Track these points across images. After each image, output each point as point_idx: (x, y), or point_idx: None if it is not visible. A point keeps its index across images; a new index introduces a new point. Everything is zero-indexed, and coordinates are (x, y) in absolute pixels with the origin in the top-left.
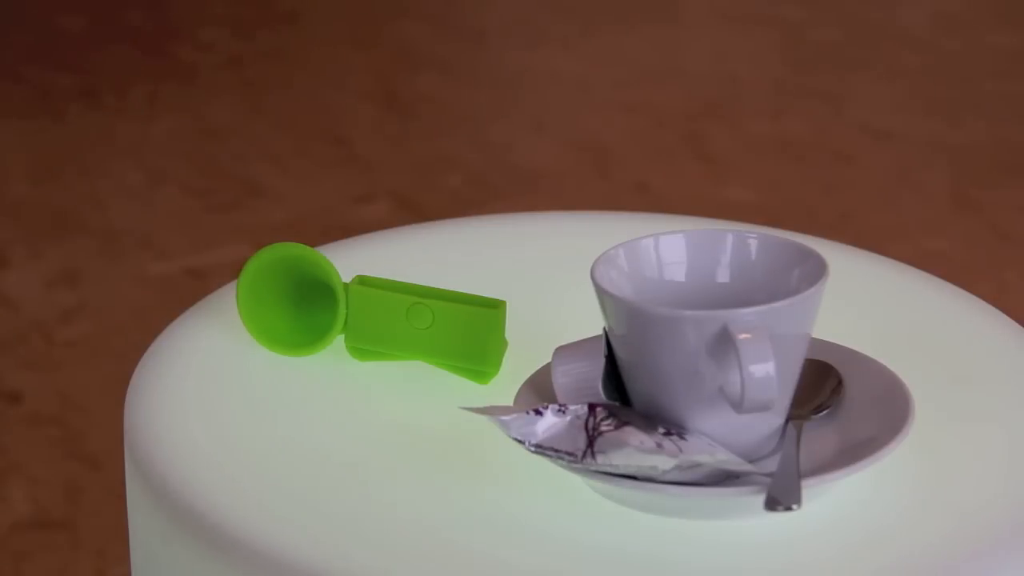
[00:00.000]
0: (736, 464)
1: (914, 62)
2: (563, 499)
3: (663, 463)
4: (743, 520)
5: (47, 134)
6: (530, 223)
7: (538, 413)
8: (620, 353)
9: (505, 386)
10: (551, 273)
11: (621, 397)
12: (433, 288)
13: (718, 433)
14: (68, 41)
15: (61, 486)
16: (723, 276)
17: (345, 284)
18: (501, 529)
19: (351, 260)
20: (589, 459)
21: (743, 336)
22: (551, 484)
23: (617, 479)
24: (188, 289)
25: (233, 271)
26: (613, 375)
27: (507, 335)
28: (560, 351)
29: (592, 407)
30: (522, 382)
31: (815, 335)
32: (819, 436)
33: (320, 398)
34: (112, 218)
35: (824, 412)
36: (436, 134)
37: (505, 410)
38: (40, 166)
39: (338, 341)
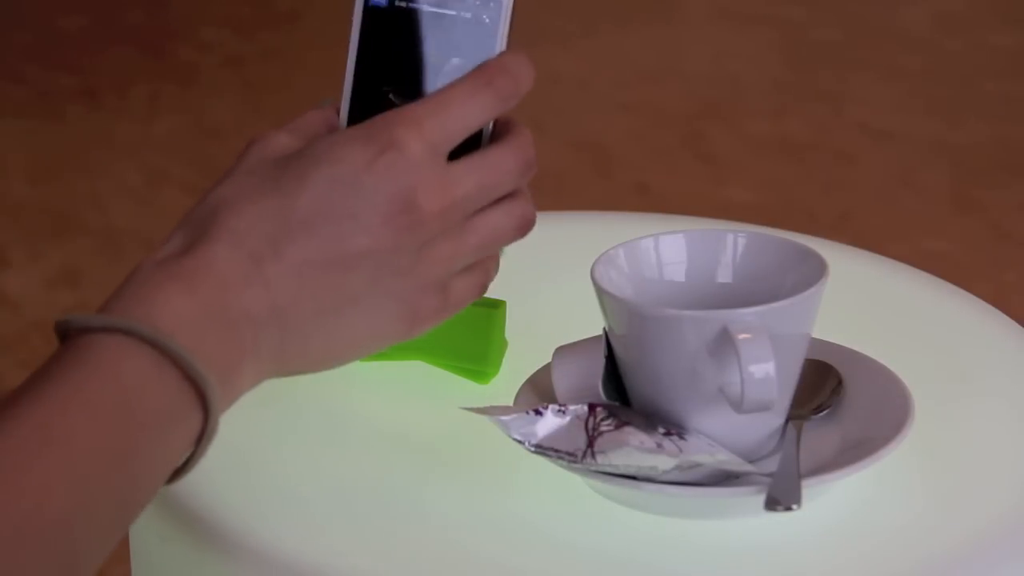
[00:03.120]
0: (736, 464)
1: (914, 62)
2: (563, 499)
3: (663, 463)
4: (743, 520)
5: (47, 134)
6: None
7: (538, 413)
8: (620, 353)
9: (505, 386)
10: (551, 273)
11: (621, 397)
12: None
13: (718, 433)
14: (68, 41)
15: None
16: (723, 276)
17: None
18: (501, 529)
19: None
20: (589, 459)
21: (743, 336)
22: (551, 484)
23: (617, 479)
24: None
25: None
26: (613, 375)
27: (507, 335)
28: (560, 351)
29: (592, 407)
30: (522, 382)
31: (815, 335)
32: (819, 436)
33: (320, 398)
34: (112, 218)
35: (824, 412)
36: None
37: (505, 410)
38: (40, 166)
39: None
